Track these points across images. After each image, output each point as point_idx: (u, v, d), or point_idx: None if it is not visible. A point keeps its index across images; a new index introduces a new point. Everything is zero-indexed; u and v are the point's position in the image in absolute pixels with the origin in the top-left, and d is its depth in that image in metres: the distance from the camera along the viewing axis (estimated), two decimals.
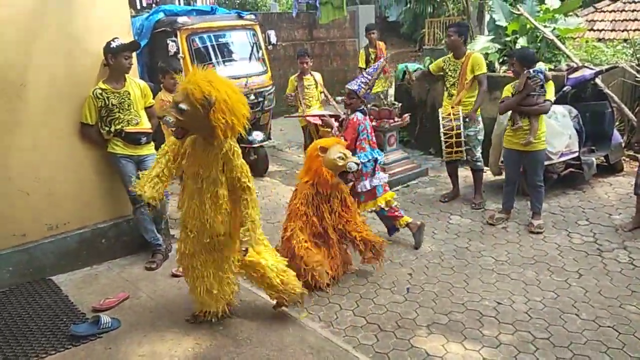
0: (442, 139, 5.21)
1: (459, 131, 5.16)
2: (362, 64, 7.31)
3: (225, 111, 2.93)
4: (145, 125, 4.42)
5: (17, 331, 3.55)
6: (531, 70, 4.68)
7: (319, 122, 6.28)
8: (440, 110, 5.43)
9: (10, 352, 3.31)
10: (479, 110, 5.42)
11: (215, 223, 3.18)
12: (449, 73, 5.45)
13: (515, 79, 4.98)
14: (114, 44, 4.14)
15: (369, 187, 4.49)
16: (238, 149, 3.26)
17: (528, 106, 4.71)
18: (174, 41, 6.45)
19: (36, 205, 4.16)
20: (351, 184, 4.37)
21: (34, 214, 4.17)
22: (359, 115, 4.42)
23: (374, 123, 6.39)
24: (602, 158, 6.10)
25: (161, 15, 7.00)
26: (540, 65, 5.19)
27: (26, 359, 3.25)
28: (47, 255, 4.27)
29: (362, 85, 4.40)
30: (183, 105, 2.91)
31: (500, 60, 7.24)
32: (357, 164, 4.02)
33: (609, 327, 3.42)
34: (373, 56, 7.16)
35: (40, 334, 3.51)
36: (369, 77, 4.46)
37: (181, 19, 6.73)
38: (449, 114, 5.22)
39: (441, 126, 5.20)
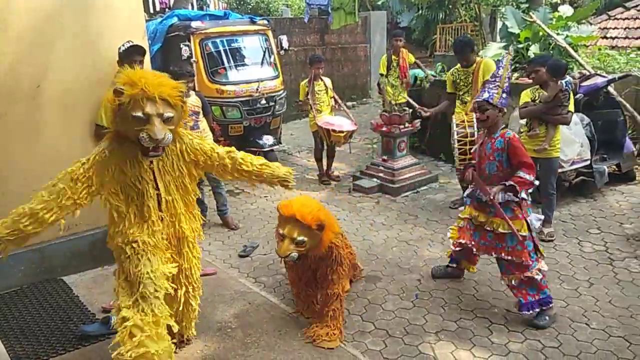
0: (456, 145, 5.16)
1: (472, 138, 5.13)
2: (382, 70, 7.28)
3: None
4: None
5: (28, 330, 3.59)
6: (564, 82, 4.69)
7: (331, 127, 6.29)
8: (453, 117, 5.41)
9: (21, 351, 3.36)
10: None
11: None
12: (461, 82, 5.47)
13: (531, 85, 4.96)
14: (122, 48, 4.19)
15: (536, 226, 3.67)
16: None
17: (552, 115, 4.70)
18: (187, 45, 6.52)
19: None
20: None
21: None
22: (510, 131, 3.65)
23: (383, 129, 6.40)
24: (614, 166, 6.05)
25: (175, 19, 7.07)
26: (567, 77, 5.17)
27: (37, 358, 3.28)
28: (59, 255, 4.32)
29: (494, 92, 3.61)
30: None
31: (513, 67, 7.21)
32: (293, 257, 3.33)
33: (619, 337, 3.39)
34: (395, 64, 7.13)
35: (51, 333, 3.55)
36: (498, 79, 3.64)
37: (194, 24, 6.80)
38: (463, 121, 5.19)
39: (455, 133, 5.16)
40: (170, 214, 3.02)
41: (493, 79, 3.65)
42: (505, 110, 3.63)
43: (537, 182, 3.59)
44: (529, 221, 3.55)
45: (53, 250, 4.28)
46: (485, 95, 3.58)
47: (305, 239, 3.29)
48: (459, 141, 5.17)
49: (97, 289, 4.15)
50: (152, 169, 2.92)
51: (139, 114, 2.66)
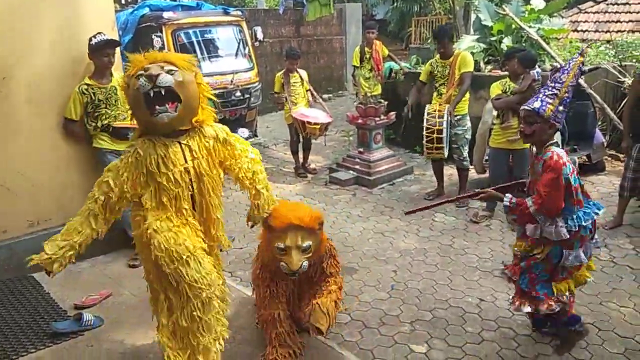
0: (424, 133, 5.22)
1: (440, 127, 5.16)
2: (355, 62, 7.26)
3: None
4: (133, 120, 4.37)
5: None
6: (535, 73, 4.78)
7: (306, 119, 6.27)
8: (427, 106, 5.44)
9: None
10: (466, 109, 5.47)
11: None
12: (438, 74, 5.50)
13: (502, 77, 5.03)
14: (94, 41, 4.09)
15: (583, 260, 3.02)
16: None
17: None
18: (159, 36, 6.41)
19: (17, 201, 4.11)
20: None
21: (15, 210, 4.11)
22: (558, 151, 2.86)
23: (359, 121, 6.40)
24: (585, 157, 6.17)
25: (146, 10, 6.94)
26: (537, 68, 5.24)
27: (6, 357, 3.20)
28: (29, 251, 4.13)
29: (548, 101, 2.83)
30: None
31: (486, 59, 7.29)
32: (295, 272, 2.94)
33: (589, 323, 3.46)
34: (368, 56, 7.12)
35: (21, 331, 3.47)
36: (559, 85, 2.85)
37: (166, 14, 6.68)
38: (435, 110, 5.24)
39: (424, 121, 5.21)
40: (204, 219, 2.78)
41: (552, 84, 2.88)
42: (558, 126, 2.89)
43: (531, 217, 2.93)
44: (566, 253, 2.94)
45: (23, 247, 4.16)
46: (536, 104, 2.85)
47: (311, 242, 2.96)
48: (427, 129, 5.20)
49: (69, 286, 4.07)
50: (187, 169, 2.66)
51: (142, 73, 2.52)
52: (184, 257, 2.53)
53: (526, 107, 2.90)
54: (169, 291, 2.63)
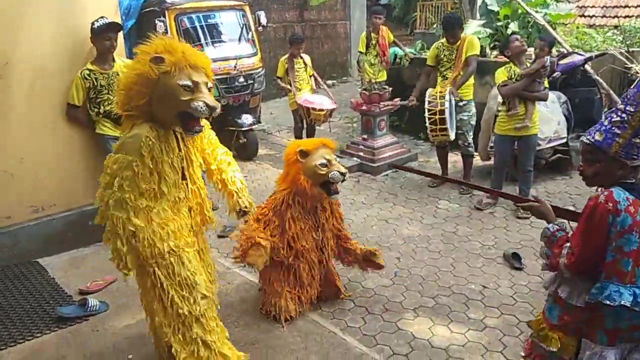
0: (426, 115, 5.17)
1: (442, 108, 5.11)
2: (361, 49, 7.16)
3: None
4: None
5: (2, 313, 3.53)
6: (547, 59, 4.74)
7: (310, 105, 6.24)
8: (428, 90, 5.39)
9: None
10: (471, 95, 5.42)
11: None
12: (444, 58, 5.44)
13: (506, 63, 4.98)
14: (96, 25, 4.06)
15: None
16: None
17: (530, 92, 4.72)
18: (162, 21, 6.34)
19: (21, 187, 4.12)
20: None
21: (18, 196, 4.13)
22: (615, 194, 1.99)
23: (363, 107, 6.36)
24: None
25: None
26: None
27: (12, 341, 3.24)
28: (33, 237, 4.24)
29: (615, 132, 2.00)
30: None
31: (492, 45, 7.22)
32: (343, 174, 3.26)
33: None
34: (374, 42, 7.02)
35: (27, 316, 3.50)
36: (633, 107, 1.97)
37: None
38: (436, 92, 5.19)
39: (426, 103, 5.17)
40: (196, 203, 2.79)
41: (623, 106, 2.00)
42: (629, 163, 2.01)
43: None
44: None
45: (27, 233, 4.20)
46: (598, 136, 2.03)
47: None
48: (429, 110, 5.15)
49: (74, 271, 4.10)
50: (182, 156, 2.63)
51: (187, 82, 2.40)
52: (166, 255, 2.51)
53: (585, 140, 2.09)
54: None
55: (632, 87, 2.14)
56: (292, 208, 3.35)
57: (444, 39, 5.48)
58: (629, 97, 2.02)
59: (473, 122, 5.49)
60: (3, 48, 3.88)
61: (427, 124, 5.21)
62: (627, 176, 2.05)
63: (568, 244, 2.10)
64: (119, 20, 4.49)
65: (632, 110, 1.98)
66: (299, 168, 3.29)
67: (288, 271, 3.42)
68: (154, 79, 2.39)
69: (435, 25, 10.87)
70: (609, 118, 2.05)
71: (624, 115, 2.00)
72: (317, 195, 3.34)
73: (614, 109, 2.07)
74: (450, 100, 5.18)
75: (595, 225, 2.00)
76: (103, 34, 4.08)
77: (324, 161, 3.25)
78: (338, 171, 3.24)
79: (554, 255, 2.15)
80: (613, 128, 2.02)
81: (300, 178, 3.27)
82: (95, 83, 4.14)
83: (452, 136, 5.33)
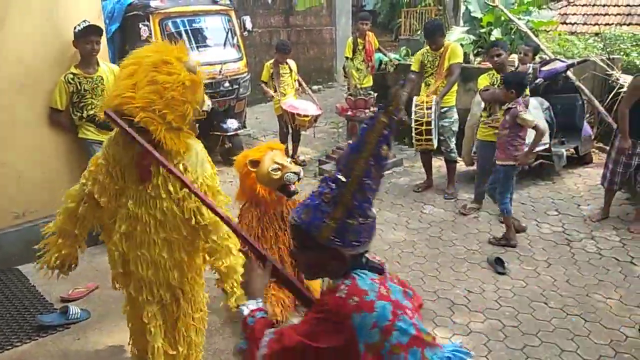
0: (413, 125, 5.20)
1: (429, 119, 5.16)
2: (348, 54, 7.17)
3: None
4: None
5: None
6: (530, 67, 4.82)
7: (295, 111, 6.23)
8: (414, 98, 5.43)
9: None
10: (453, 101, 5.46)
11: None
12: (428, 64, 5.47)
13: (489, 69, 5.03)
14: (77, 28, 4.02)
15: None
16: None
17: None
18: (146, 25, 6.30)
19: (2, 192, 4.05)
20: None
21: (0, 202, 4.04)
22: (360, 281, 1.43)
23: (349, 113, 6.38)
24: (572, 150, 6.21)
25: None
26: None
27: None
28: (14, 244, 4.16)
29: (326, 211, 1.43)
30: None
31: (475, 51, 7.29)
32: (297, 173, 3.35)
33: (576, 315, 3.50)
34: (361, 47, 7.05)
35: (6, 324, 3.43)
36: (343, 180, 1.42)
37: (154, 3, 6.56)
38: (422, 102, 5.22)
39: (412, 113, 5.20)
40: None
41: (336, 172, 1.45)
42: (348, 252, 1.46)
43: None
44: None
45: (8, 239, 4.12)
46: (304, 216, 1.47)
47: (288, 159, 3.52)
48: (415, 121, 5.18)
49: (55, 278, 4.01)
50: None
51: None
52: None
53: (291, 220, 1.52)
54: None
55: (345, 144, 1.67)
56: (261, 220, 3.43)
57: (428, 46, 5.52)
58: (341, 160, 1.49)
59: (455, 129, 5.53)
60: None
61: (413, 134, 5.24)
62: (345, 268, 1.46)
63: (272, 330, 1.47)
64: (102, 24, 4.45)
65: (344, 180, 1.42)
66: (253, 178, 3.34)
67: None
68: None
69: (419, 32, 10.94)
70: (320, 189, 1.47)
71: (334, 187, 1.43)
72: (278, 200, 3.43)
73: (325, 177, 1.49)
74: (435, 111, 5.22)
75: (333, 330, 1.37)
76: (84, 37, 4.03)
77: (276, 165, 3.31)
78: (291, 172, 3.31)
79: (252, 344, 1.47)
80: (322, 205, 1.44)
81: (257, 188, 3.32)
82: (79, 87, 4.10)
83: (436, 145, 5.38)
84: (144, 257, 2.41)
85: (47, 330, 3.35)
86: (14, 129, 4.02)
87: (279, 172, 3.29)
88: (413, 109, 5.21)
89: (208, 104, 2.18)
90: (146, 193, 2.35)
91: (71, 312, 3.43)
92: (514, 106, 4.33)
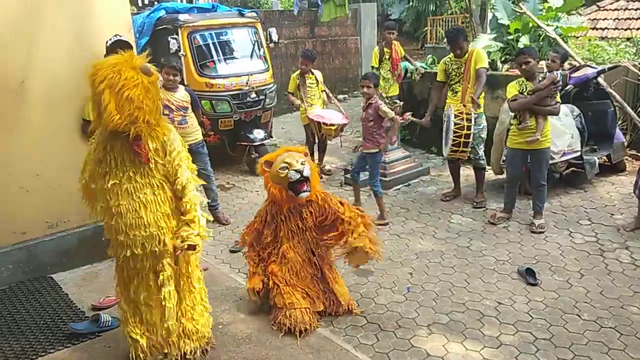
0: (451, 136, 5.14)
1: (469, 132, 5.12)
2: (374, 63, 7.18)
3: None
4: None
5: (17, 329, 3.54)
6: (558, 74, 4.75)
7: (322, 120, 6.25)
8: (448, 106, 5.38)
9: (10, 350, 3.31)
10: (482, 108, 5.40)
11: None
12: (452, 72, 5.44)
13: (518, 77, 4.96)
14: (109, 42, 4.13)
15: None
16: None
17: (542, 106, 4.70)
18: (175, 39, 6.44)
19: (36, 202, 4.15)
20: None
21: (34, 212, 4.16)
22: None
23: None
24: (605, 157, 6.07)
25: (162, 12, 6.98)
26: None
27: (25, 357, 3.24)
28: (47, 253, 4.27)
29: None
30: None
31: (503, 59, 7.21)
32: (298, 171, 3.42)
33: (610, 328, 3.40)
34: (387, 56, 7.07)
35: (40, 332, 3.50)
36: None
37: (182, 17, 6.72)
38: (461, 112, 5.16)
39: (452, 124, 5.14)
40: None
41: None
42: None
43: None
44: None
45: (41, 248, 4.23)
46: None
47: (302, 158, 3.57)
48: (454, 132, 5.14)
49: (87, 287, 4.11)
50: None
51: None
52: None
53: None
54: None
55: None
56: (275, 217, 3.63)
57: (452, 54, 5.49)
58: None
59: (484, 135, 5.47)
60: (19, 65, 3.94)
61: (450, 144, 5.18)
62: None
63: None
64: (132, 38, 4.55)
65: None
66: (267, 178, 3.59)
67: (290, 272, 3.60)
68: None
69: (445, 40, 10.89)
70: None
71: None
72: (290, 199, 3.53)
73: None
74: (450, 118, 5.18)
75: None
76: (114, 51, 4.13)
77: (284, 165, 3.46)
78: (293, 169, 3.43)
79: None
80: None
81: (269, 186, 3.57)
82: None
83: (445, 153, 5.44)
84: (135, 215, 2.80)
85: (79, 338, 3.41)
86: (47, 142, 4.14)
87: (285, 171, 3.44)
88: (452, 118, 5.16)
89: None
90: (145, 167, 2.81)
91: (102, 320, 3.48)
92: (374, 101, 5.07)
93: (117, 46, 4.12)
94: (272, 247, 3.68)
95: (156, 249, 2.83)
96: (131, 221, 2.78)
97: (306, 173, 3.45)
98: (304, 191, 3.48)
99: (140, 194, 2.79)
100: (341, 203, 3.63)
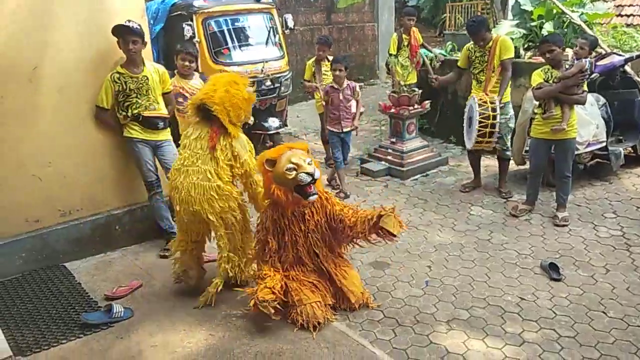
0: (476, 127, 4.99)
1: (494, 121, 4.96)
2: (392, 50, 7.01)
3: None
4: (163, 110, 4.35)
5: (29, 319, 3.52)
6: (586, 62, 4.55)
7: None
8: (472, 95, 5.21)
9: (22, 339, 3.28)
10: (509, 97, 5.22)
11: None
12: (476, 60, 5.25)
13: (543, 64, 4.79)
14: None
15: None
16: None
17: (568, 95, 4.52)
18: (189, 25, 6.34)
19: (49, 191, 4.12)
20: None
21: (47, 200, 4.13)
22: None
23: (392, 110, 6.24)
24: (630, 148, 5.87)
25: None
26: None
27: (37, 347, 3.21)
28: (60, 241, 4.24)
29: None
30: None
31: (526, 46, 6.99)
32: (310, 174, 3.20)
33: (638, 326, 3.26)
34: (406, 43, 6.90)
35: (52, 322, 3.47)
36: None
37: (197, 3, 6.62)
38: (485, 102, 5.00)
39: (476, 113, 4.98)
40: None
41: None
42: None
43: None
44: None
45: (54, 236, 4.20)
46: None
47: (309, 158, 3.39)
48: (479, 122, 4.98)
49: (100, 276, 4.07)
50: None
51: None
52: None
53: None
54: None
55: None
56: (277, 222, 3.39)
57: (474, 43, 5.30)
58: None
59: (512, 125, 5.30)
60: (32, 52, 3.88)
61: (476, 134, 5.01)
62: None
63: None
64: (146, 24, 4.46)
65: None
66: (269, 178, 3.28)
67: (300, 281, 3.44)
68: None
69: (464, 26, 10.65)
70: None
71: None
72: (295, 201, 3.30)
73: None
74: (474, 108, 5.02)
75: None
76: (120, 36, 4.05)
77: (291, 165, 3.20)
78: (305, 172, 3.18)
79: None
80: None
81: (272, 187, 3.26)
82: (125, 86, 4.12)
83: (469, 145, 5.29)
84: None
85: (91, 328, 3.37)
86: (59, 130, 4.08)
87: (293, 172, 3.18)
88: (475, 108, 5.00)
89: (251, 118, 3.43)
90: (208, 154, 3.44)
91: (115, 311, 3.44)
92: (347, 82, 5.57)
93: (119, 32, 4.02)
94: (278, 254, 3.46)
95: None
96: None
97: (317, 175, 3.25)
98: (313, 194, 3.28)
99: None
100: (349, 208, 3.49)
